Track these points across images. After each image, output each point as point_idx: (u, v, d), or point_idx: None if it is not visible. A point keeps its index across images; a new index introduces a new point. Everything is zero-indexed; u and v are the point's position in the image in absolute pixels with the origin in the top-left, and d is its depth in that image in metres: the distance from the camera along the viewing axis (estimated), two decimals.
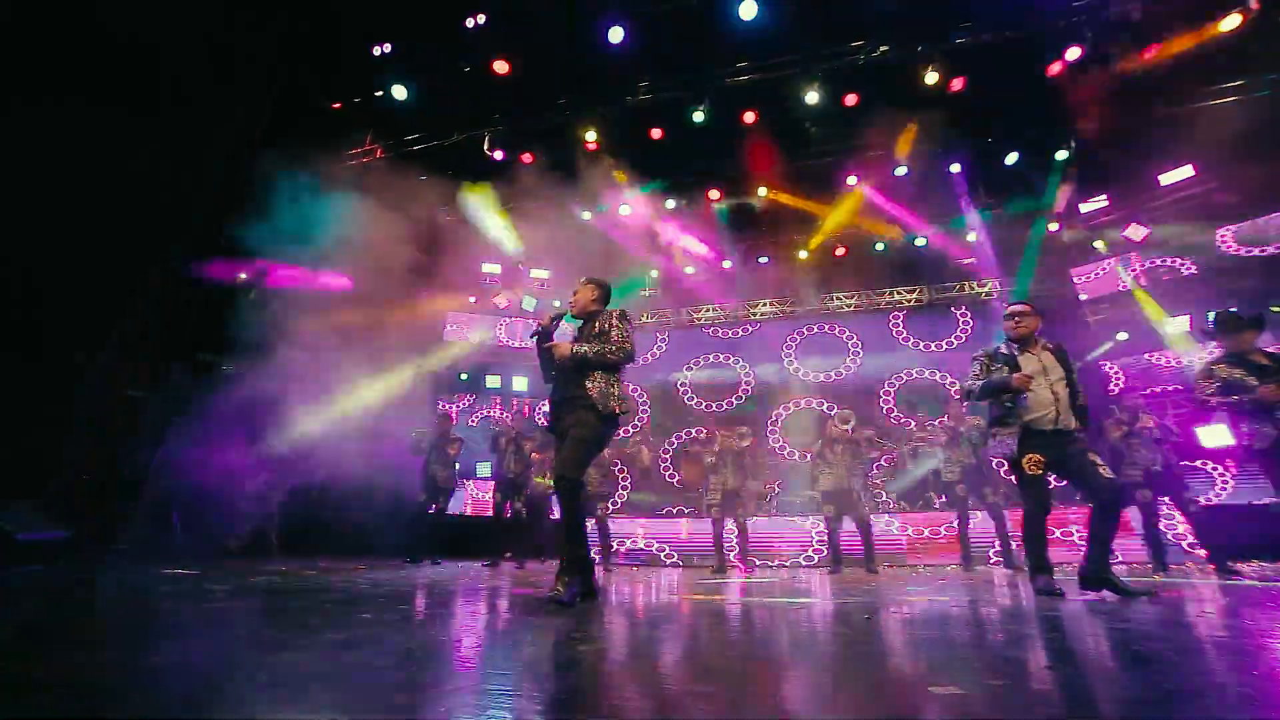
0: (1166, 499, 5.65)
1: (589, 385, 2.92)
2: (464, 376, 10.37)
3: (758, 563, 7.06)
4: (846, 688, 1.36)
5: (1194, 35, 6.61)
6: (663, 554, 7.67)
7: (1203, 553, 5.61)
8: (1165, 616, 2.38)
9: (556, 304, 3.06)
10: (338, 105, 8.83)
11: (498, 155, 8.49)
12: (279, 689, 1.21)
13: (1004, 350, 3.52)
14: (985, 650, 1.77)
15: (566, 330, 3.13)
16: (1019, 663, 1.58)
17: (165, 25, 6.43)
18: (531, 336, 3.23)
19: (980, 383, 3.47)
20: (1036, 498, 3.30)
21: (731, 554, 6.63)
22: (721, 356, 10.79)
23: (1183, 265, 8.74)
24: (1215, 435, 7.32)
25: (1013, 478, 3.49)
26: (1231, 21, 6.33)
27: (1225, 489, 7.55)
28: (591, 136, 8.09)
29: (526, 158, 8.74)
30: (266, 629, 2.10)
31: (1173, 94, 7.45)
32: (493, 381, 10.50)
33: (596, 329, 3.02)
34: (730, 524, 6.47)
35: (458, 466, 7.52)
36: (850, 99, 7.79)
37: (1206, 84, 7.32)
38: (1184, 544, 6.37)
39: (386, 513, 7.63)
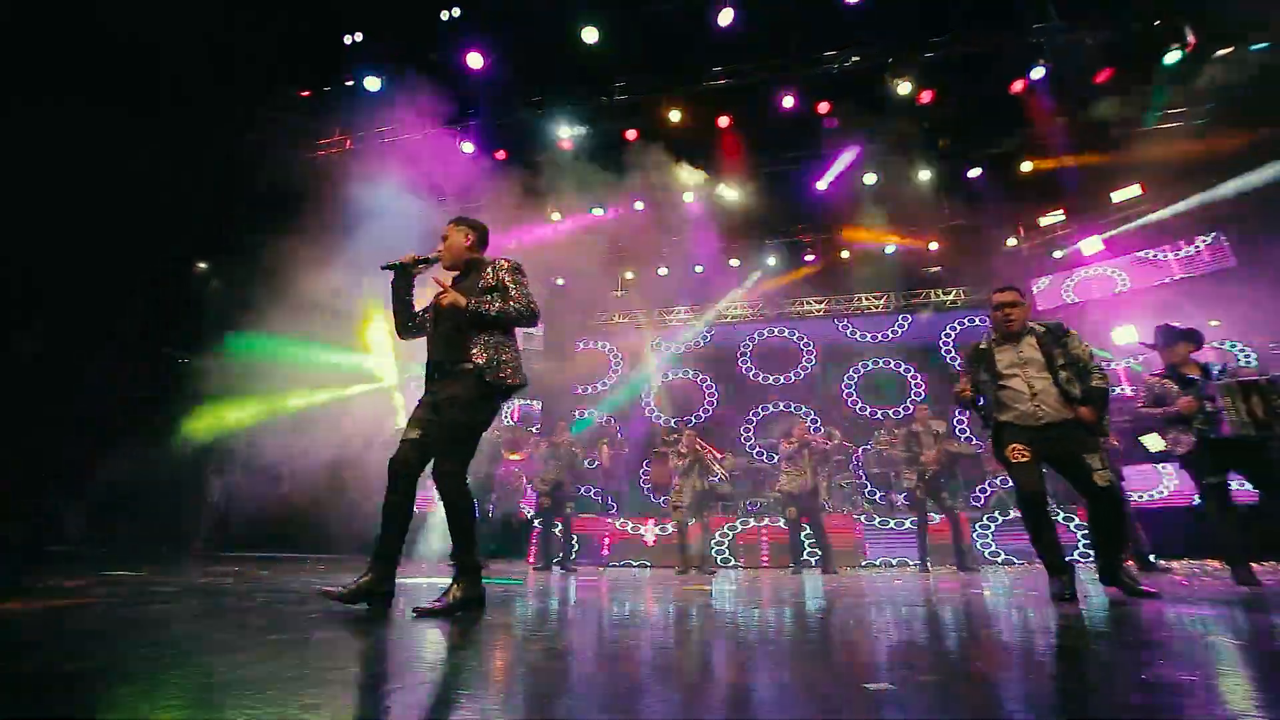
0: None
1: (474, 350, 2.41)
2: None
3: (719, 565, 7.16)
4: (773, 687, 1.39)
5: (1140, 65, 6.98)
6: (628, 555, 7.71)
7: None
8: (1105, 613, 2.50)
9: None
10: (306, 93, 8.62)
11: (469, 148, 8.38)
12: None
13: (983, 345, 3.32)
14: (922, 648, 1.84)
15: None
16: (954, 660, 1.65)
17: (163, 26, 6.25)
18: (384, 268, 2.60)
19: (956, 394, 3.36)
20: (1024, 488, 3.00)
21: (714, 553, 6.70)
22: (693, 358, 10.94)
23: (1130, 279, 9.17)
24: (1154, 441, 7.74)
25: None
26: (1174, 55, 6.70)
27: (1164, 491, 7.98)
28: (566, 134, 8.05)
29: (500, 154, 8.67)
30: (149, 635, 2.04)
31: (1123, 117, 7.83)
32: None
33: (486, 282, 2.51)
34: (697, 525, 6.54)
35: None
36: (823, 106, 7.95)
37: (1152, 109, 7.70)
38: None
39: (349, 508, 7.50)
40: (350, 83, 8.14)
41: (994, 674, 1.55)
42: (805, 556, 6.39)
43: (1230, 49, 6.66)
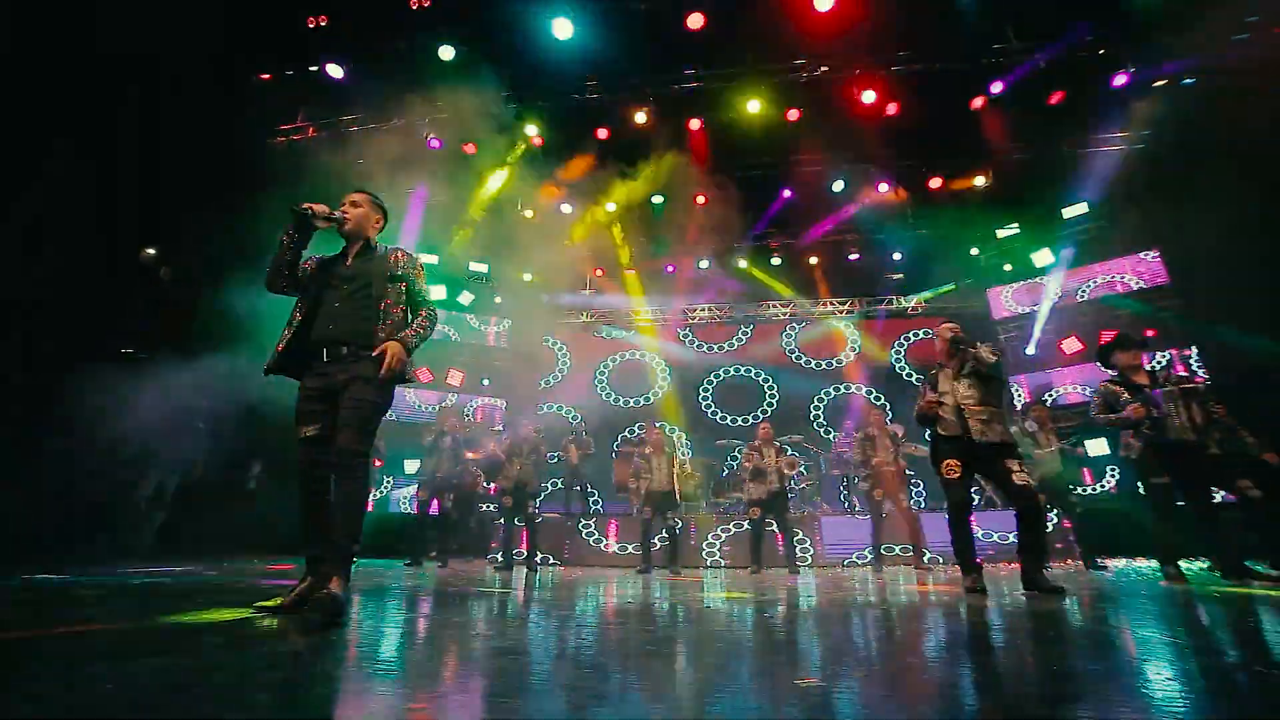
0: (1057, 503, 6.24)
1: (380, 332, 2.31)
2: None
3: (682, 564, 7.17)
4: (702, 682, 1.40)
5: (1087, 88, 7.38)
6: (591, 554, 7.67)
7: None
8: (1034, 609, 2.60)
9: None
10: (267, 76, 8.33)
11: (435, 143, 8.24)
12: None
13: (933, 370, 3.75)
14: (860, 645, 1.88)
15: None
16: (888, 656, 1.69)
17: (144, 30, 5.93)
18: (292, 210, 2.37)
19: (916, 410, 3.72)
20: (954, 498, 3.49)
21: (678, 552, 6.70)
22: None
23: (1078, 291, 9.62)
24: (1098, 446, 8.12)
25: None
26: (1119, 79, 7.10)
27: (1107, 493, 8.38)
28: (534, 131, 7.99)
29: (469, 148, 8.54)
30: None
31: (1072, 137, 8.23)
32: (424, 375, 10.18)
33: (390, 268, 2.41)
34: (660, 524, 6.55)
35: (378, 461, 7.25)
36: (792, 114, 8.09)
37: (1098, 132, 8.12)
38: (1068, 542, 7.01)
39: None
40: (314, 69, 7.91)
41: (909, 669, 1.59)
42: (767, 555, 6.46)
43: (1165, 80, 7.13)
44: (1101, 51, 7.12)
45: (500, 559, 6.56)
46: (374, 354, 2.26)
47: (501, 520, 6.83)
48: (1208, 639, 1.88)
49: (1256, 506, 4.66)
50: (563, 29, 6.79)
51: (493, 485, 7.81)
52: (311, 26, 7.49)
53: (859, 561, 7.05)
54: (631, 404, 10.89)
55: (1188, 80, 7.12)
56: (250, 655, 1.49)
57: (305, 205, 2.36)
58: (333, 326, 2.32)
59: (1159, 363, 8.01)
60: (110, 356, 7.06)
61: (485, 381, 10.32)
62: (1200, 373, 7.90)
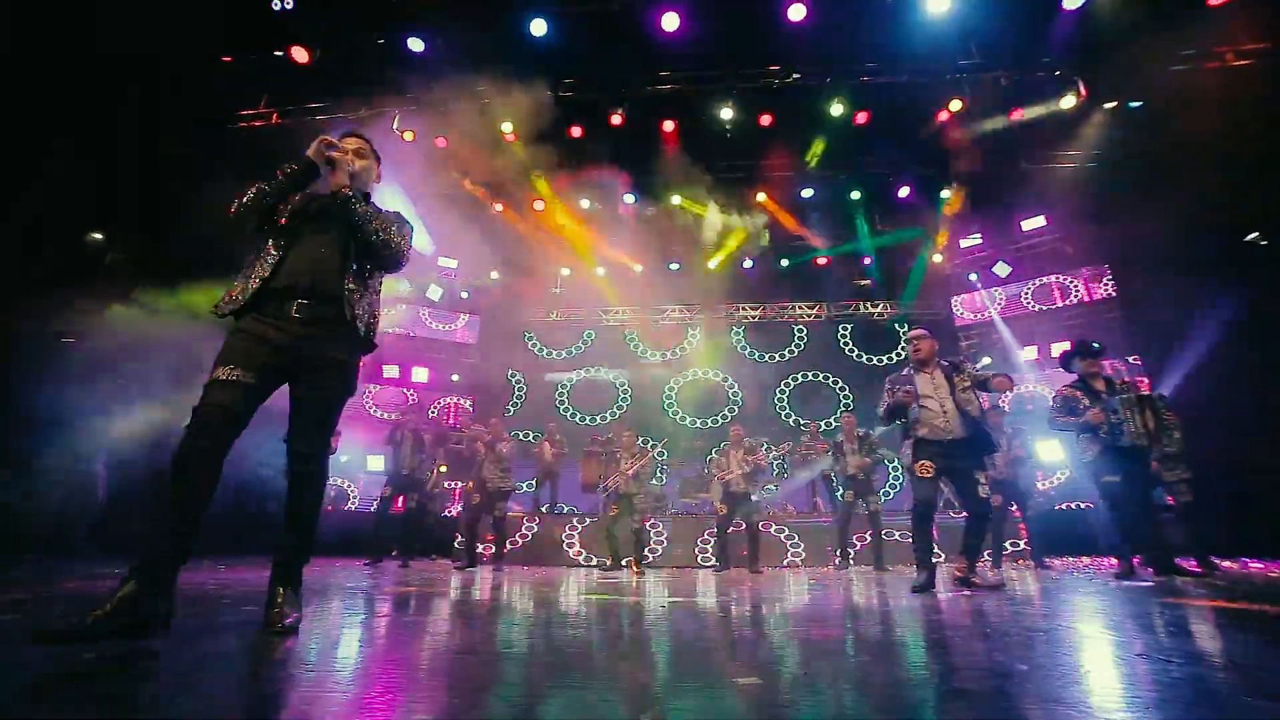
0: (1013, 505, 6.45)
1: (355, 296, 1.97)
2: None
3: (647, 563, 7.18)
4: (641, 681, 1.40)
5: (1043, 106, 7.71)
6: (558, 553, 7.62)
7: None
8: (977, 607, 2.68)
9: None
10: (228, 59, 8.03)
11: (408, 136, 8.07)
12: None
13: (905, 373, 3.93)
14: (809, 644, 1.90)
15: None
16: (833, 654, 1.72)
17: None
18: (322, 151, 2.03)
19: (883, 406, 3.90)
20: (922, 498, 3.69)
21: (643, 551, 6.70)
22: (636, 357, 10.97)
23: (1034, 302, 9.99)
24: (1050, 449, 8.44)
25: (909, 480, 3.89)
26: (1069, 100, 7.42)
27: (1055, 495, 8.71)
28: (508, 128, 7.91)
29: (440, 142, 8.39)
30: None
31: (1031, 152, 8.56)
32: (390, 371, 9.97)
33: (382, 227, 2.08)
34: (626, 523, 6.54)
35: (345, 458, 7.06)
36: (765, 119, 8.19)
37: (1054, 149, 8.46)
38: (1021, 542, 7.27)
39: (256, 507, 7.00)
40: (279, 53, 7.66)
41: (853, 666, 1.62)
42: (732, 554, 6.52)
43: (1115, 103, 7.50)
44: (1058, 73, 7.42)
45: (464, 559, 6.46)
46: (348, 319, 1.94)
47: (466, 519, 6.73)
48: (1133, 634, 1.96)
49: (1188, 509, 4.96)
50: (538, 27, 6.73)
51: (456, 485, 7.70)
52: (277, 9, 7.25)
53: (825, 563, 7.16)
54: (593, 421, 10.77)
55: (1134, 104, 7.50)
56: None
57: (331, 146, 2.03)
58: (312, 275, 1.93)
59: (1119, 371, 8.37)
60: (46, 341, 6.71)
61: (455, 378, 10.16)
62: (1140, 381, 8.29)
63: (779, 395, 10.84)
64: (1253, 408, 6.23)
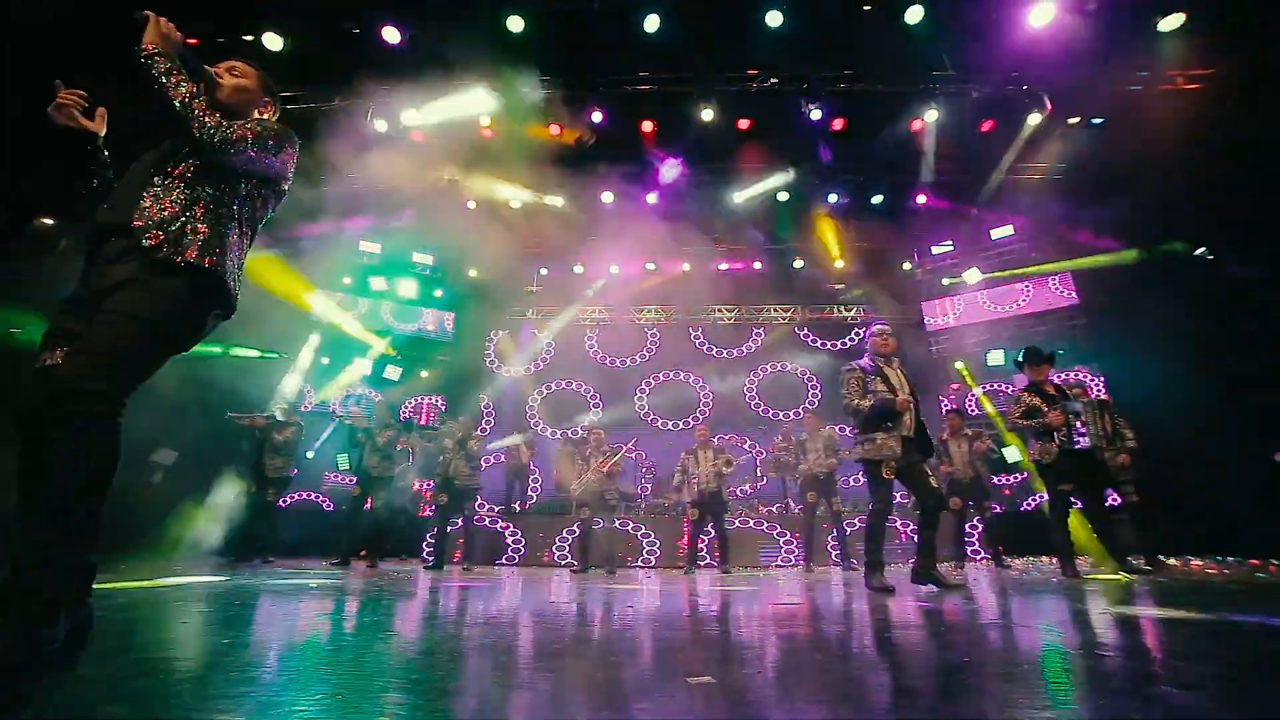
0: (971, 505, 6.64)
1: (152, 205, 1.49)
2: (325, 360, 9.55)
3: (620, 565, 7.20)
4: (599, 681, 1.40)
5: (1012, 121, 7.98)
6: (532, 554, 7.58)
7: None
8: (934, 606, 2.76)
9: None
10: (194, 40, 7.78)
11: (381, 126, 7.92)
12: None
13: (870, 366, 3.87)
14: (765, 643, 1.93)
15: None
16: (790, 653, 1.75)
17: None
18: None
19: (867, 403, 3.73)
20: (883, 499, 3.71)
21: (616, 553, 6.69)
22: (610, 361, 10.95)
23: (1002, 308, 10.28)
24: (1013, 453, 8.68)
25: (868, 479, 3.84)
26: (1035, 118, 7.67)
27: (1018, 497, 8.98)
28: (486, 121, 7.82)
29: (417, 136, 8.25)
30: None
31: (998, 164, 8.82)
32: (361, 368, 9.79)
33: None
34: (599, 524, 6.54)
35: (310, 455, 6.93)
36: (744, 123, 8.25)
37: (1023, 160, 8.72)
38: (978, 542, 7.48)
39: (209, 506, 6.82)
40: (249, 38, 7.44)
41: (810, 664, 1.65)
42: (704, 555, 6.58)
43: (1078, 119, 7.80)
44: (1025, 88, 7.64)
45: (432, 560, 6.40)
46: (148, 243, 1.45)
47: (436, 519, 6.66)
48: (1071, 630, 2.04)
49: (1136, 509, 5.19)
50: (515, 24, 6.67)
51: (424, 483, 7.59)
52: None
53: (793, 563, 7.27)
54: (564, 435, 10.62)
55: (1096, 120, 7.79)
56: None
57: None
58: (117, 201, 1.53)
59: (1079, 380, 8.62)
60: None
61: (423, 374, 10.02)
62: (1100, 387, 8.59)
63: (748, 390, 10.88)
64: (1198, 413, 6.52)
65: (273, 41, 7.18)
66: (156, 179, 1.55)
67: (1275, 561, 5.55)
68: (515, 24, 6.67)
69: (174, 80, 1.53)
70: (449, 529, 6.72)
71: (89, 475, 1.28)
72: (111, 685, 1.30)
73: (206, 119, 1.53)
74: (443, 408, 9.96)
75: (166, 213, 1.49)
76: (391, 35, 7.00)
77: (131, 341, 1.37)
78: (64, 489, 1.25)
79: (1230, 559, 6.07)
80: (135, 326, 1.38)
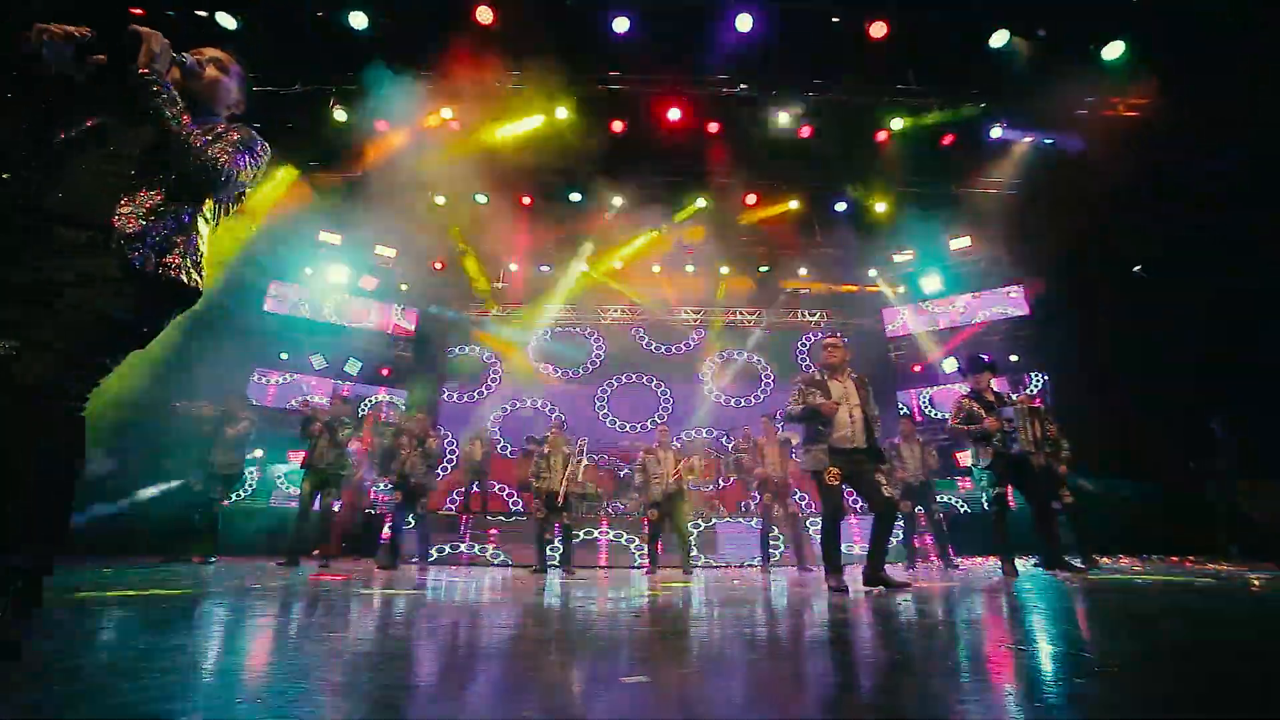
0: (920, 509, 6.84)
1: (132, 211, 1.46)
2: (284, 355, 9.24)
3: (576, 565, 7.18)
4: (529, 682, 1.39)
5: (971, 136, 8.31)
6: (487, 553, 7.49)
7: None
8: (882, 607, 2.83)
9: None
10: (140, 11, 7.40)
11: (341, 115, 7.70)
12: None
13: (818, 377, 3.98)
14: (708, 642, 1.95)
15: None
16: (718, 650, 1.76)
17: None
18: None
19: (798, 408, 3.88)
20: (833, 505, 3.77)
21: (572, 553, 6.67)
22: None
23: (958, 317, 10.65)
24: (968, 457, 9.03)
25: (814, 487, 3.97)
26: (996, 132, 8.01)
27: (968, 499, 9.31)
28: (449, 114, 7.68)
29: (381, 125, 8.05)
30: None
31: (959, 177, 9.13)
32: (319, 362, 9.51)
33: (219, 133, 1.64)
34: (557, 524, 6.50)
35: (259, 451, 6.68)
36: (712, 126, 8.32)
37: (981, 174, 9.06)
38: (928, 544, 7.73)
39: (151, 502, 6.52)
40: (203, 13, 7.12)
41: (749, 662, 1.67)
42: (663, 555, 6.60)
43: (1030, 138, 8.16)
44: (983, 105, 7.94)
45: (387, 558, 6.25)
46: (133, 255, 1.43)
47: (390, 516, 6.51)
48: (1014, 624, 2.12)
49: (1072, 512, 5.46)
50: (484, 15, 6.58)
51: (379, 480, 7.40)
52: None
53: (751, 564, 7.36)
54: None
55: (1047, 140, 8.17)
56: None
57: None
58: (70, 192, 1.46)
59: (1023, 386, 9.00)
60: None
61: (384, 371, 9.79)
62: (1039, 394, 8.99)
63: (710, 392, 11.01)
64: (1135, 421, 6.89)
65: (228, 21, 6.91)
66: (135, 181, 1.53)
67: (1192, 558, 5.93)
68: (485, 15, 6.58)
69: (172, 113, 1.54)
70: (404, 528, 6.58)
71: (60, 473, 1.33)
72: None
73: (201, 150, 1.56)
74: (402, 405, 9.75)
75: (147, 221, 1.50)
76: (359, 21, 6.83)
77: (102, 342, 1.42)
78: (38, 488, 1.29)
79: (1154, 557, 6.45)
80: (106, 327, 1.41)
